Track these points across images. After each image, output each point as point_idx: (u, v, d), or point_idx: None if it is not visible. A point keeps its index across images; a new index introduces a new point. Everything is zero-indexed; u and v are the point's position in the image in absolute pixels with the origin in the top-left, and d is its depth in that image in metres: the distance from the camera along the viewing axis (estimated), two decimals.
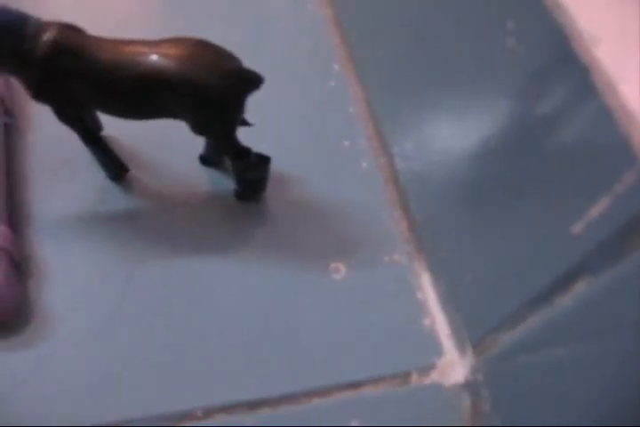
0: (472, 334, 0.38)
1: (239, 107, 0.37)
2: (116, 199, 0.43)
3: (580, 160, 0.26)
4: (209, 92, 0.35)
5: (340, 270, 0.42)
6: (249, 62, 0.37)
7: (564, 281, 0.27)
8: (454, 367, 0.39)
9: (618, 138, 0.24)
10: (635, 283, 0.24)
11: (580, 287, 0.27)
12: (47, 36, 0.35)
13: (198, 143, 0.43)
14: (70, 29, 0.36)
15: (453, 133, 0.38)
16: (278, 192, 0.44)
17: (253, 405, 0.38)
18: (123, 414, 0.37)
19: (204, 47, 0.36)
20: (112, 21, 0.47)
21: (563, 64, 0.26)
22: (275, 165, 0.42)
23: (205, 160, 0.45)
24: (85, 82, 0.36)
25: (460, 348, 0.39)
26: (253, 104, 0.38)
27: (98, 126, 0.44)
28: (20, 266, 0.40)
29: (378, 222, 0.44)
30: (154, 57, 0.35)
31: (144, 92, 0.36)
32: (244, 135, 0.40)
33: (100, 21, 0.40)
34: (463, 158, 0.36)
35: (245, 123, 0.40)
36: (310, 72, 0.50)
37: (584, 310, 0.27)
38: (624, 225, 0.24)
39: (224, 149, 0.40)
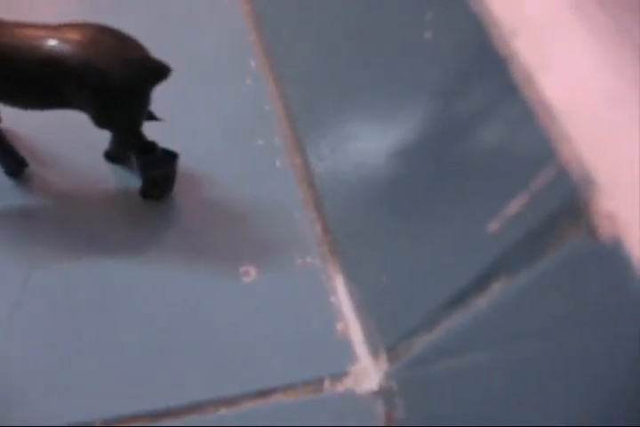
0: (386, 339, 0.37)
1: (143, 98, 0.35)
2: (14, 196, 0.42)
3: (497, 157, 0.25)
4: (110, 80, 0.33)
5: (249, 274, 0.41)
6: (159, 54, 0.35)
7: (480, 282, 0.27)
8: (368, 374, 0.38)
9: (536, 132, 0.23)
10: (553, 283, 0.23)
11: (496, 289, 0.26)
12: None
13: (103, 138, 0.41)
14: None
15: (370, 133, 0.37)
16: (187, 191, 0.43)
17: (156, 415, 0.36)
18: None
19: (107, 33, 0.34)
20: (11, 3, 0.45)
21: (480, 56, 0.25)
22: (183, 163, 0.41)
23: (110, 156, 0.43)
24: None
25: (374, 354, 0.38)
26: (163, 98, 0.37)
27: None
28: None
29: (291, 224, 0.43)
30: (53, 42, 0.34)
31: (42, 79, 0.34)
32: (151, 131, 0.38)
33: None
34: (380, 159, 0.36)
35: (152, 117, 0.38)
36: (225, 68, 0.48)
37: (500, 312, 0.26)
38: (541, 223, 0.23)
39: (128, 143, 0.38)
